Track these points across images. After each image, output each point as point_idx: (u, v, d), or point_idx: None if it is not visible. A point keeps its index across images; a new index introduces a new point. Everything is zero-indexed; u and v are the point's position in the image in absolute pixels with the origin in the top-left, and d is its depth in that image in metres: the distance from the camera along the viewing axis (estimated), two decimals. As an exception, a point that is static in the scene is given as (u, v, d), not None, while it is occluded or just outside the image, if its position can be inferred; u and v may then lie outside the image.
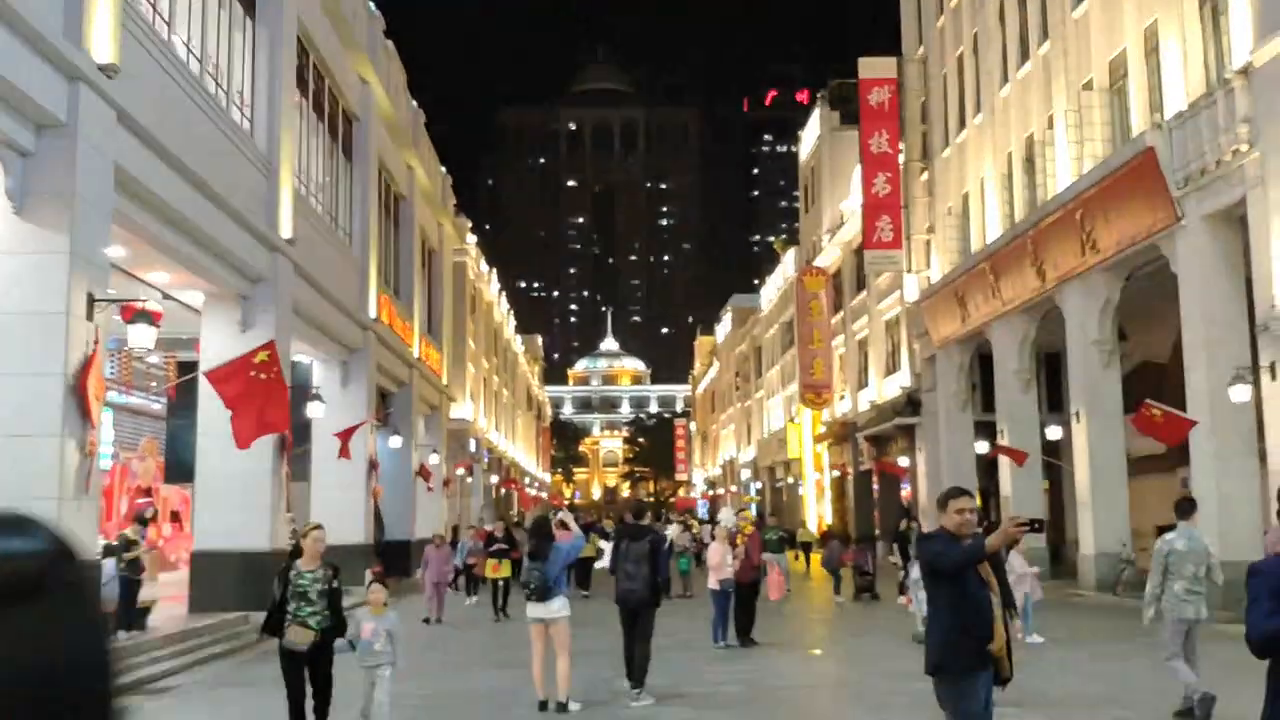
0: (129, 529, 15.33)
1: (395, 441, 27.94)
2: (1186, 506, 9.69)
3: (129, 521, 17.63)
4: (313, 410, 21.00)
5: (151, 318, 12.67)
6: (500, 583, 18.48)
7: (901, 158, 34.48)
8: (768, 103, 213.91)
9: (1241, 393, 16.62)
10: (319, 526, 8.30)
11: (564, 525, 10.66)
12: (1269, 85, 16.01)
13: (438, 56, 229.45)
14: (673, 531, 22.80)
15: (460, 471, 37.10)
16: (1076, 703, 10.29)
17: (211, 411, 17.83)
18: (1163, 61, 19.70)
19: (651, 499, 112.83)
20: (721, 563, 13.66)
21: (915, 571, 14.58)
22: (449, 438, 37.97)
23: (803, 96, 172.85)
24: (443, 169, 38.11)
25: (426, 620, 17.96)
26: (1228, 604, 13.76)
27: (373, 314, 25.82)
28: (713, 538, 14.71)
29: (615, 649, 14.00)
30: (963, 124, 31.29)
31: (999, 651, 5.27)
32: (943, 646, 5.36)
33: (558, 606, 9.72)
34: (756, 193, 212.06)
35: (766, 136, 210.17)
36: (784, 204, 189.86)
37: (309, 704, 7.97)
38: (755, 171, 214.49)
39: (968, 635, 5.23)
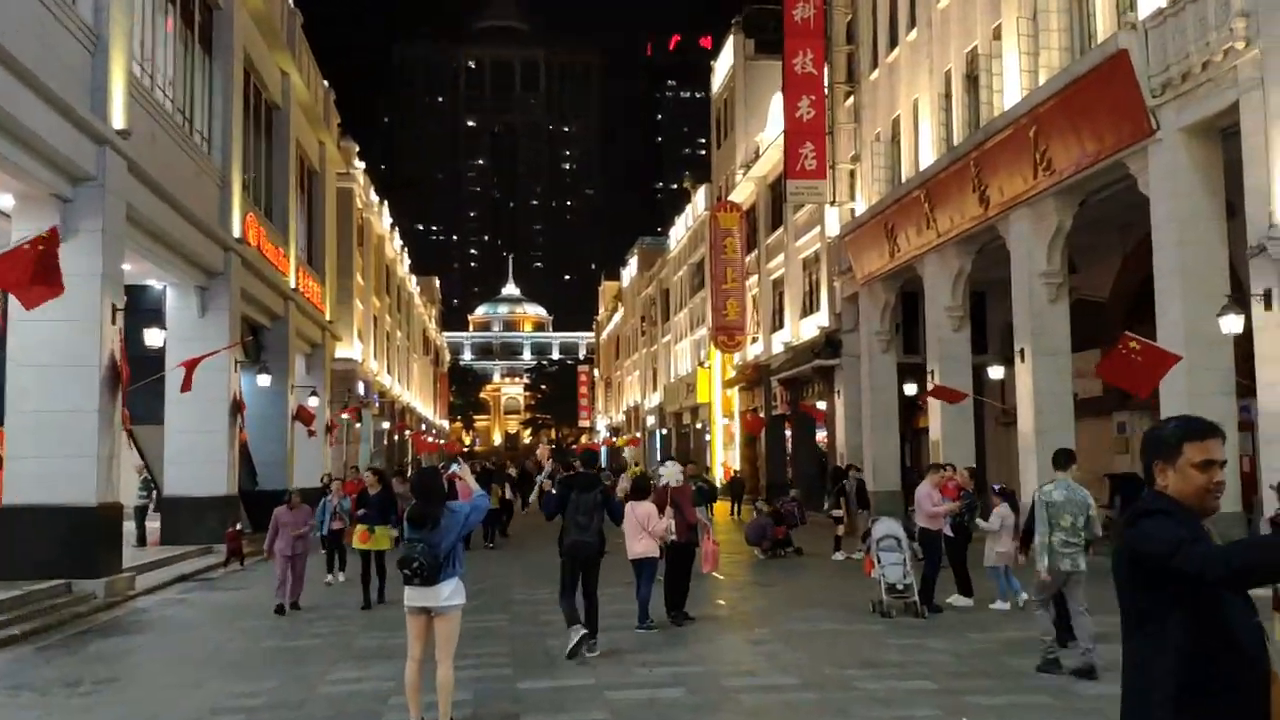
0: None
1: (264, 380, 24.76)
2: (1063, 458, 9.56)
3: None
4: (153, 337, 17.82)
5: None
6: (374, 557, 13.79)
7: (825, 82, 32.06)
8: (671, 47, 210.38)
9: (1234, 323, 14.65)
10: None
11: (458, 479, 8.16)
12: (1274, -31, 13.88)
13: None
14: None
15: (346, 416, 33.98)
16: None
17: (25, 334, 14.68)
18: (1138, -47, 17.48)
19: (553, 446, 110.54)
20: (663, 528, 11.09)
21: (879, 529, 12.31)
22: (333, 379, 34.75)
23: (706, 41, 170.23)
24: (325, 83, 34.49)
25: (280, 609, 13.26)
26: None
27: (236, 233, 22.54)
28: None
29: (515, 632, 11.52)
30: (894, 42, 28.96)
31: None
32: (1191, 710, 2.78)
33: (448, 593, 7.07)
34: (661, 138, 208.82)
35: (671, 81, 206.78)
36: (689, 150, 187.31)
37: None
38: (660, 117, 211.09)
39: (1234, 693, 2.73)
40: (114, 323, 15.53)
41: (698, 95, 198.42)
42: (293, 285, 28.08)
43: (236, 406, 22.03)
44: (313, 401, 29.45)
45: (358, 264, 42.30)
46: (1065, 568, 8.91)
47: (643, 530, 11.14)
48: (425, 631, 7.12)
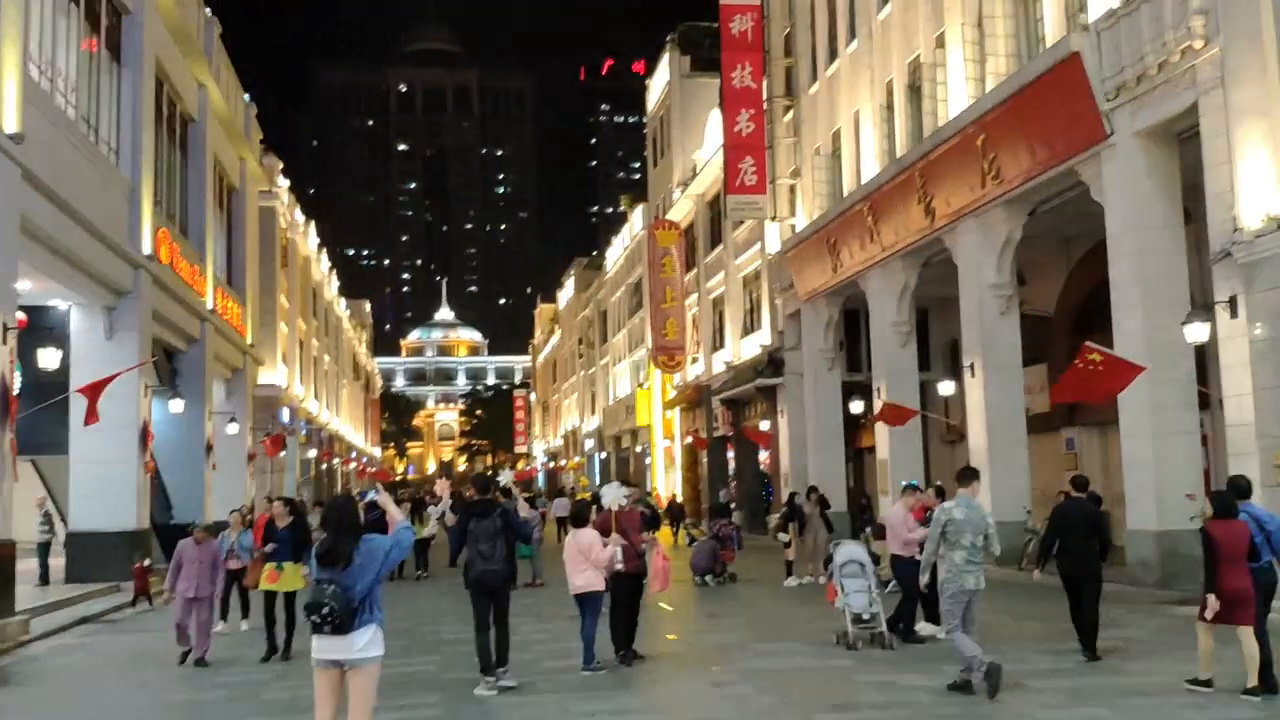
0: None
1: (177, 406, 23.32)
2: (967, 474, 9.54)
3: None
4: (47, 358, 16.40)
5: None
6: (283, 600, 11.90)
7: (764, 96, 31.48)
8: (604, 72, 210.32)
9: (1199, 332, 14.08)
10: None
11: (374, 507, 7.10)
12: (1233, -35, 13.42)
13: (255, 11, 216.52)
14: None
15: (266, 444, 32.49)
16: None
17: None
18: (1088, -46, 17.02)
19: (489, 472, 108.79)
20: (608, 557, 10.06)
21: (841, 554, 11.43)
22: (255, 405, 33.22)
23: (639, 66, 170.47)
24: (246, 97, 33.13)
25: (183, 658, 11.65)
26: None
27: (147, 250, 21.17)
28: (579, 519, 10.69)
29: (446, 679, 10.33)
30: (834, 54, 28.47)
31: None
32: None
33: (363, 643, 5.90)
34: (595, 162, 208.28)
35: (604, 106, 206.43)
36: (623, 175, 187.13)
37: None
38: (594, 141, 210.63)
39: None
40: (4, 343, 14.19)
41: (631, 120, 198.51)
42: (210, 306, 26.66)
43: (145, 434, 20.60)
44: (231, 428, 27.95)
45: (282, 285, 40.76)
46: (970, 585, 8.93)
47: (585, 561, 10.11)
48: (336, 689, 5.99)
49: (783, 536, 18.50)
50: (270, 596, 11.97)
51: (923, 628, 11.69)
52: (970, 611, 8.99)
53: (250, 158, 33.04)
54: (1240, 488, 9.07)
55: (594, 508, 11.48)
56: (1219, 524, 8.55)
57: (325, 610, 5.77)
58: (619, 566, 10.40)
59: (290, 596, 11.89)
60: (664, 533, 31.04)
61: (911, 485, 12.14)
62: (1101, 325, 22.84)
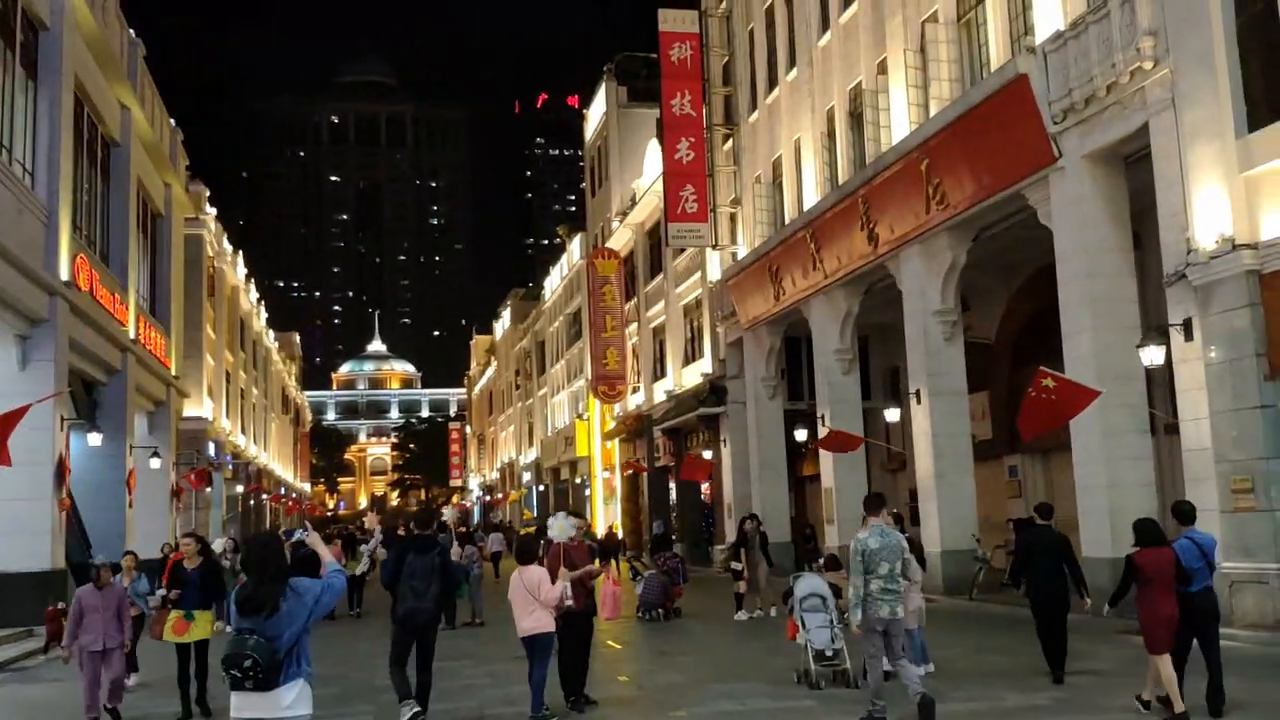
0: None
1: (95, 439, 22.20)
2: (874, 502, 9.52)
3: None
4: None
5: None
6: (194, 651, 10.49)
7: (704, 124, 31.27)
8: (539, 105, 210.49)
9: (1155, 355, 13.89)
10: None
11: (303, 545, 6.42)
12: (1182, -14, 13.36)
13: (187, 40, 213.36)
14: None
15: (190, 479, 31.24)
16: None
17: None
18: (1032, -22, 16.99)
19: (422, 507, 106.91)
20: (558, 595, 9.39)
21: (802, 588, 10.92)
22: (180, 439, 31.96)
23: (573, 100, 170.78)
24: (173, 122, 32.10)
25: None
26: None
27: (64, 276, 20.14)
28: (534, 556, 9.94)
29: None
30: (773, 83, 28.38)
31: None
32: None
33: (289, 700, 5.16)
34: (531, 195, 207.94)
35: (539, 139, 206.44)
36: (559, 207, 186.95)
37: None
38: (529, 174, 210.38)
39: None
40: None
41: (566, 153, 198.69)
42: (132, 336, 25.55)
43: (61, 469, 19.50)
44: (154, 463, 26.76)
45: (208, 316, 39.52)
46: (885, 614, 8.83)
47: (533, 600, 9.44)
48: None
49: (735, 565, 17.91)
50: (184, 649, 10.54)
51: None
52: (894, 641, 8.93)
53: (176, 184, 31.97)
54: (1184, 513, 9.15)
55: (541, 541, 10.84)
56: (1144, 551, 8.63)
57: (247, 663, 5.07)
58: (569, 604, 9.78)
59: (201, 648, 10.57)
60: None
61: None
62: (1043, 353, 22.86)
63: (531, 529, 27.67)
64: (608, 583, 10.54)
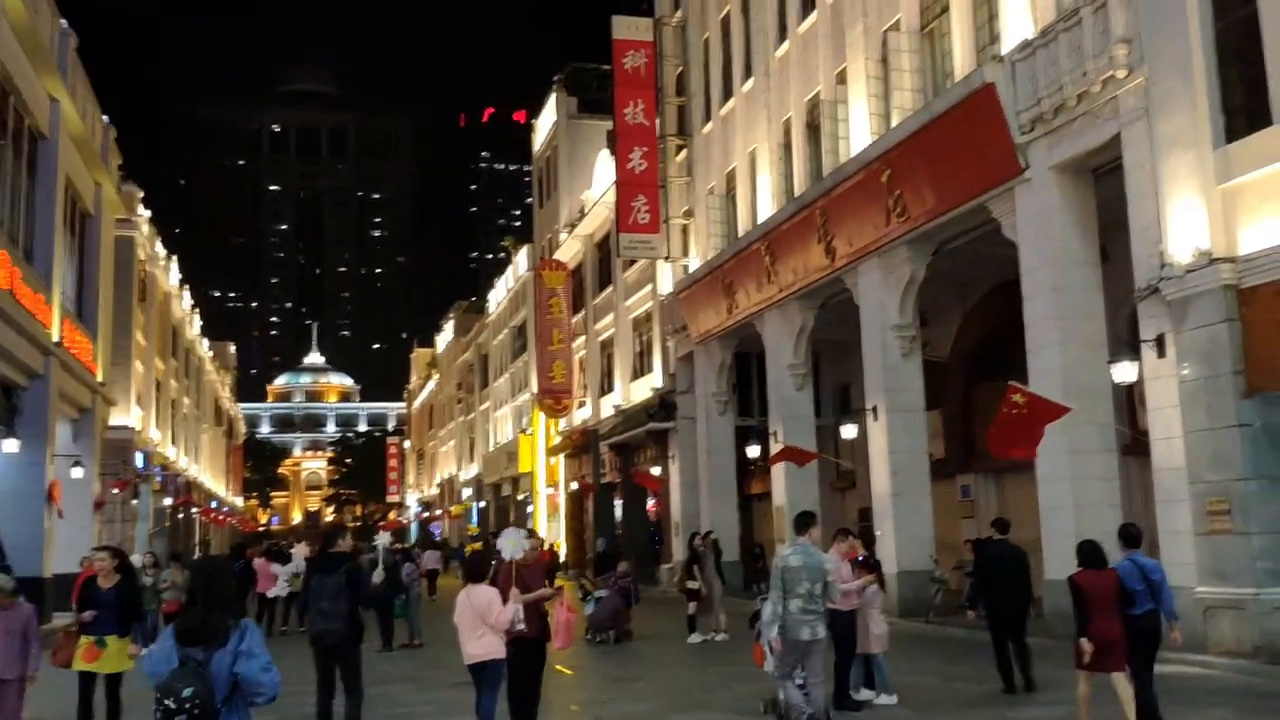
0: None
1: (12, 446, 20.97)
2: (803, 520, 9.25)
3: None
4: None
5: None
6: (104, 684, 9.46)
7: (657, 133, 30.75)
8: (485, 119, 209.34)
9: (1127, 371, 13.50)
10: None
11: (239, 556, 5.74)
12: (1158, -6, 13.03)
13: (127, 43, 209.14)
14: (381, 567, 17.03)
15: (116, 491, 29.90)
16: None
17: None
18: (1000, -14, 16.64)
19: (358, 523, 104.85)
20: (509, 618, 8.61)
21: (768, 610, 10.25)
22: (105, 449, 30.58)
23: (520, 115, 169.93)
24: (106, 118, 30.84)
25: None
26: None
27: (-20, 272, 18.97)
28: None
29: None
30: (729, 93, 27.94)
31: None
32: None
33: None
34: (475, 208, 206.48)
35: (485, 152, 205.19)
36: (503, 221, 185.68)
37: None
38: (474, 187, 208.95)
39: None
40: None
41: (512, 167, 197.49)
42: (56, 339, 24.26)
43: (-27, 478, 18.32)
44: (76, 473, 25.46)
45: (139, 321, 38.06)
46: (804, 636, 8.63)
47: (482, 624, 8.61)
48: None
49: (691, 584, 17.20)
50: (87, 680, 9.39)
51: (862, 693, 10.57)
52: (815, 661, 8.73)
53: (108, 183, 30.67)
54: (1129, 536, 9.22)
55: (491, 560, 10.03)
56: (1086, 573, 8.72)
57: (186, 692, 4.34)
58: (520, 628, 9.00)
59: (113, 681, 9.47)
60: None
61: (846, 531, 11.08)
62: (998, 372, 22.58)
63: (478, 545, 26.73)
64: (560, 609, 9.72)
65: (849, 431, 21.70)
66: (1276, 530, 11.96)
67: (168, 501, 44.27)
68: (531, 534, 10.21)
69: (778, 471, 24.06)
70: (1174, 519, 12.96)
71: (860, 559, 10.97)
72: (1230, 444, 12.11)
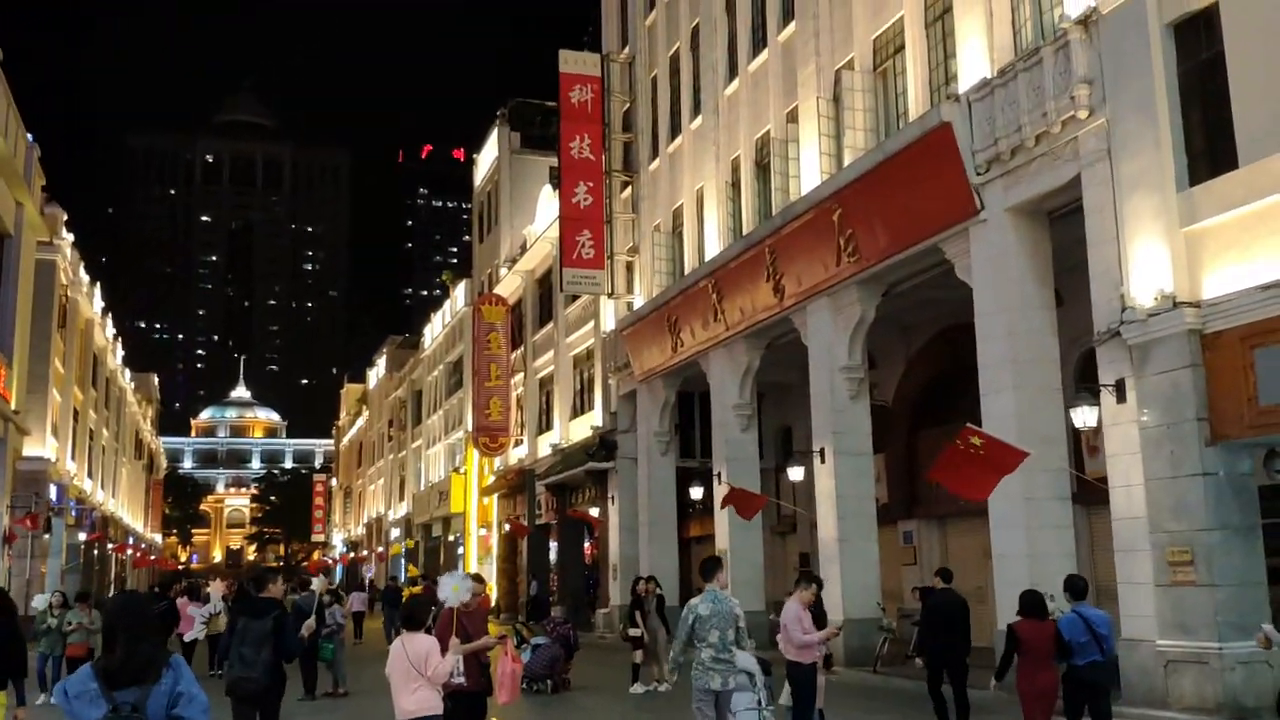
0: None
1: (-90, 476, 19.66)
2: (710, 566, 8.93)
3: None
4: None
5: None
6: None
7: (603, 169, 30.36)
8: (423, 155, 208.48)
9: (1087, 416, 13.21)
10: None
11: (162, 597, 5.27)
12: (1120, 36, 12.91)
13: (54, 70, 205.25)
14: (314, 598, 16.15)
15: (26, 525, 28.37)
16: None
17: None
18: (956, 25, 16.52)
19: (280, 563, 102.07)
20: (447, 670, 7.85)
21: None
22: (16, 480, 29.08)
23: (459, 153, 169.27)
24: (30, 137, 29.61)
25: None
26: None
27: (-117, 289, 17.79)
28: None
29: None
30: (676, 130, 27.68)
31: None
32: None
33: None
34: (412, 244, 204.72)
35: (423, 190, 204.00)
36: (440, 258, 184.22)
37: None
38: (410, 223, 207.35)
39: None
40: None
41: (450, 204, 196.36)
42: (-35, 363, 23.01)
43: None
44: (-17, 506, 24.07)
45: (58, 348, 36.51)
46: (716, 686, 8.39)
47: (418, 676, 7.81)
48: None
49: (634, 632, 16.49)
50: None
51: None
52: (721, 712, 8.48)
53: (29, 203, 29.39)
54: (1075, 588, 9.24)
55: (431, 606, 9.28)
56: (1026, 623, 8.79)
57: None
58: (459, 681, 8.26)
59: None
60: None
61: (809, 576, 10.51)
62: (943, 416, 22.38)
63: (417, 588, 25.67)
64: (505, 660, 9.02)
65: (796, 474, 21.25)
66: (1240, 582, 11.67)
67: (82, 537, 42.37)
68: (477, 578, 9.50)
69: (721, 514, 23.51)
70: (1133, 570, 12.63)
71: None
72: (1193, 493, 11.82)
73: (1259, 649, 9.59)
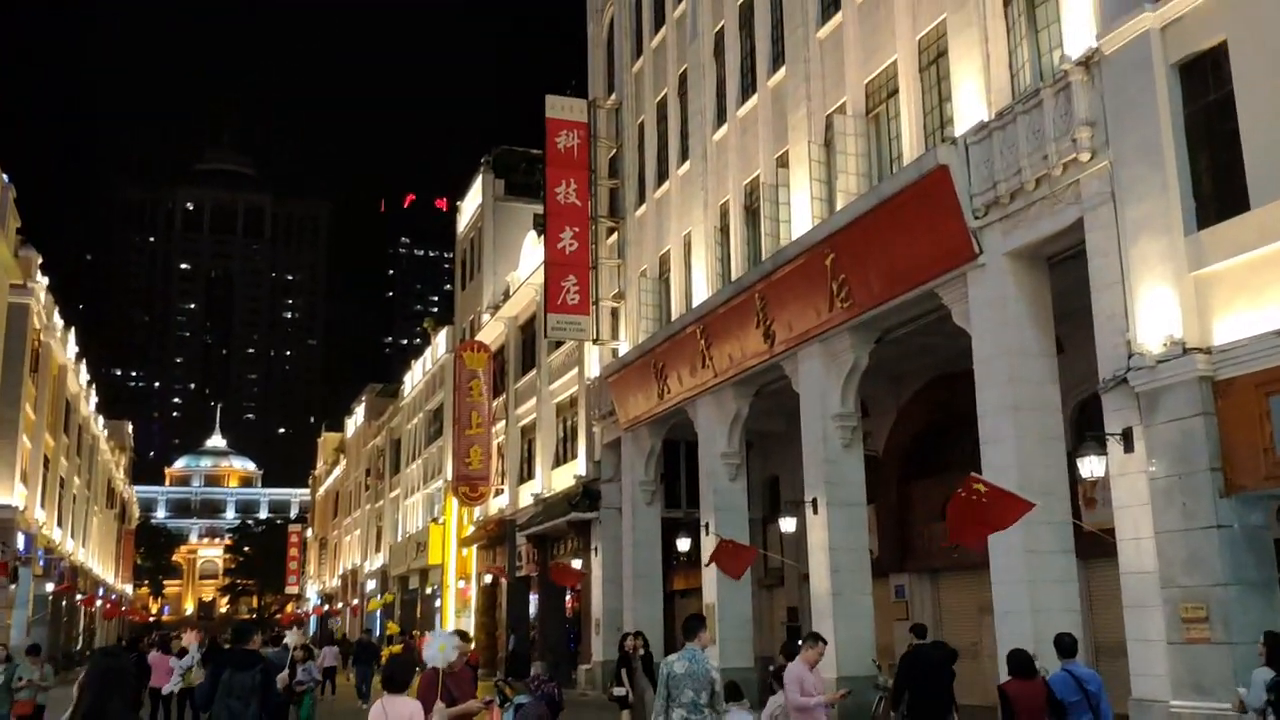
0: None
1: None
2: (693, 624, 8.78)
3: None
4: None
5: None
6: None
7: (589, 214, 30.06)
8: (406, 205, 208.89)
9: (1094, 466, 12.77)
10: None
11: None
12: (1124, 77, 12.66)
13: (40, 119, 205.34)
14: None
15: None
16: None
17: None
18: (951, 69, 16.31)
19: (253, 615, 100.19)
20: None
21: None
22: (-19, 529, 28.23)
23: (442, 203, 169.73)
24: (5, 177, 29.18)
25: None
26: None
27: None
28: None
29: None
30: (663, 176, 27.44)
31: None
32: None
33: None
34: (393, 293, 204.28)
35: (405, 239, 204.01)
36: (420, 307, 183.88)
37: None
38: (391, 272, 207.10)
39: None
40: None
41: (432, 253, 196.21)
42: (-70, 407, 22.33)
43: None
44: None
45: (29, 393, 35.73)
46: None
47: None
48: None
49: (618, 691, 15.83)
50: None
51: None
52: None
53: (2, 245, 28.94)
54: (1064, 645, 9.26)
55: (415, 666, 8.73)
56: (1015, 683, 8.69)
57: None
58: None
59: None
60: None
61: (816, 636, 9.98)
62: (935, 467, 21.97)
63: (397, 647, 24.87)
64: (492, 717, 8.50)
65: (787, 525, 20.69)
66: (1258, 640, 11.18)
67: (50, 587, 41.25)
68: (463, 636, 8.95)
69: (705, 571, 22.90)
70: (1144, 626, 12.13)
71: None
72: (1207, 546, 11.36)
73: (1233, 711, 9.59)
